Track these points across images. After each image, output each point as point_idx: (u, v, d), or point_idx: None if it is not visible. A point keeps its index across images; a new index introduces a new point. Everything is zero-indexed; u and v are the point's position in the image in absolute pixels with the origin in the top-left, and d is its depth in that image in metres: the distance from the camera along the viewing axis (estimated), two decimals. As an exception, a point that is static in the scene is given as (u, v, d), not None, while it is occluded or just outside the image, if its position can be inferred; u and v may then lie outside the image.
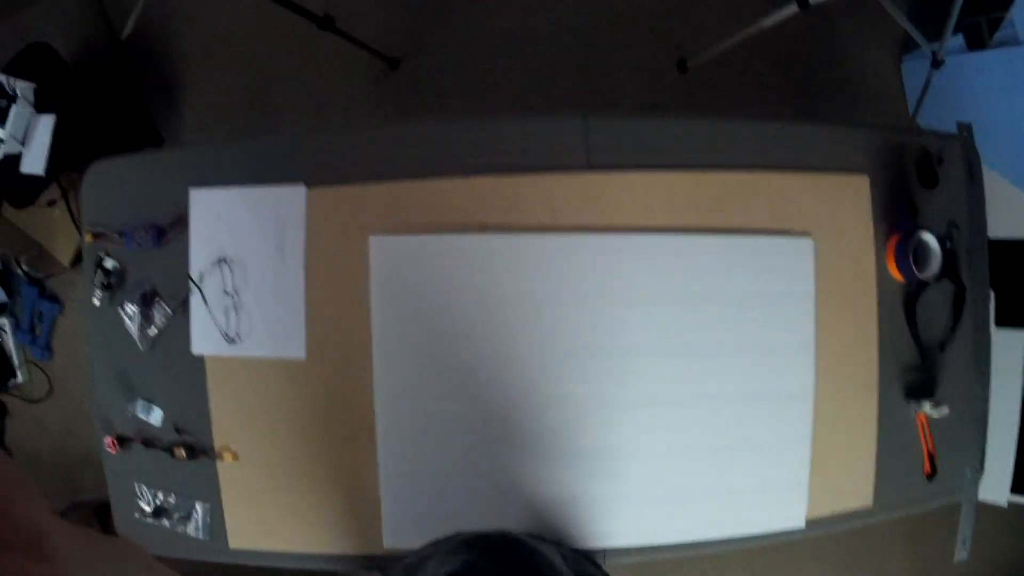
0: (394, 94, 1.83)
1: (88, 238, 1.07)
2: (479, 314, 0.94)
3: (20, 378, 1.86)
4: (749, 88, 1.80)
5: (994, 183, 1.37)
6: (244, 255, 0.98)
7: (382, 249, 0.94)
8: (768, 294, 1.00)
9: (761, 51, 1.68)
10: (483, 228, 0.92)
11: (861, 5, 1.50)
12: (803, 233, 1.00)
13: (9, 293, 1.81)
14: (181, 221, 1.02)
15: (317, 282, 0.97)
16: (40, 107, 1.47)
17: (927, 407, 1.08)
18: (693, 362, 0.98)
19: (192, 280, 1.01)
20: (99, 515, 1.63)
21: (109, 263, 1.06)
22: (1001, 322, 1.36)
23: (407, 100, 1.82)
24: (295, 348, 0.98)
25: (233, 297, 0.99)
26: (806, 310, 1.01)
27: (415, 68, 1.86)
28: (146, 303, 1.05)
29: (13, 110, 1.42)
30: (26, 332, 1.83)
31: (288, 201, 0.96)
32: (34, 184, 1.49)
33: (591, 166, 0.92)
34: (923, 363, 1.11)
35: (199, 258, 1.00)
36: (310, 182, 0.96)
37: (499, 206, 0.92)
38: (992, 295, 1.26)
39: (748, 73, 1.79)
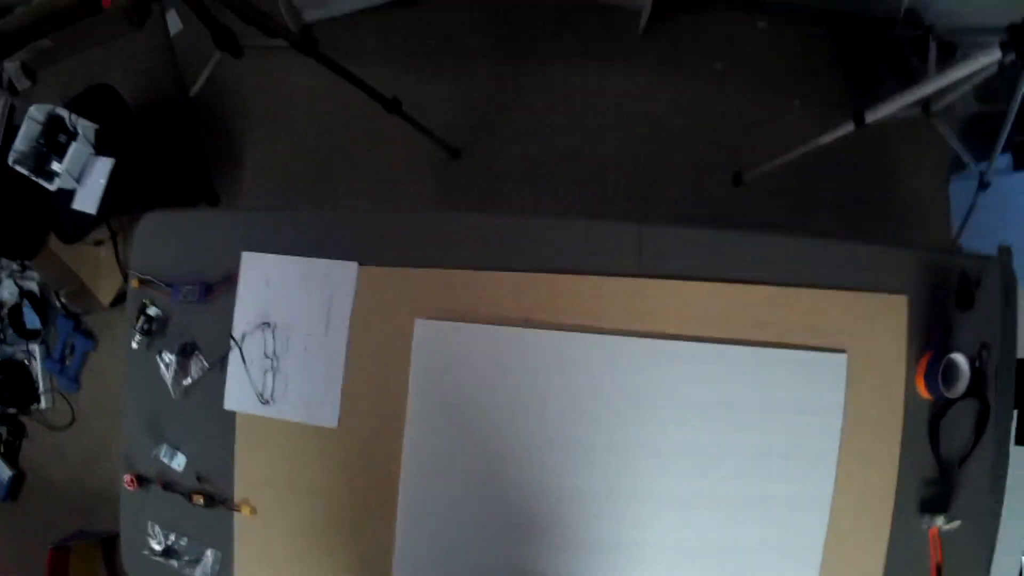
0: (453, 182, 1.87)
1: (135, 284, 1.08)
2: (514, 405, 0.95)
3: (43, 404, 1.89)
4: (801, 203, 1.85)
5: (1028, 304, 1.38)
6: (289, 322, 1.00)
7: (426, 333, 0.95)
8: (798, 405, 1.01)
9: (815, 167, 1.72)
10: (527, 323, 0.94)
11: (915, 125, 1.53)
12: (838, 349, 1.01)
13: (44, 322, 1.84)
14: (229, 280, 1.03)
15: (358, 357, 0.99)
16: (100, 148, 1.50)
17: (940, 522, 1.09)
18: (717, 465, 0.99)
19: (233, 339, 1.02)
20: (104, 546, 1.64)
21: (152, 311, 1.08)
22: (1021, 440, 1.36)
23: (466, 189, 1.87)
24: (327, 417, 0.99)
25: (272, 360, 1.01)
26: (833, 423, 1.02)
27: (476, 159, 1.90)
28: (184, 354, 1.06)
29: (73, 147, 1.45)
30: (56, 362, 1.87)
31: (339, 276, 0.97)
32: (84, 222, 1.52)
33: (641, 273, 0.94)
34: (941, 478, 1.12)
35: (243, 319, 1.02)
36: (362, 260, 0.98)
37: (546, 304, 0.93)
38: (1015, 413, 1.27)
39: (801, 189, 1.83)
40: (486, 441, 0.95)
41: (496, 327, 0.94)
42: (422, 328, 0.96)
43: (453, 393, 0.96)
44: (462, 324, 0.95)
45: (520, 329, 0.94)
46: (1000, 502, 1.18)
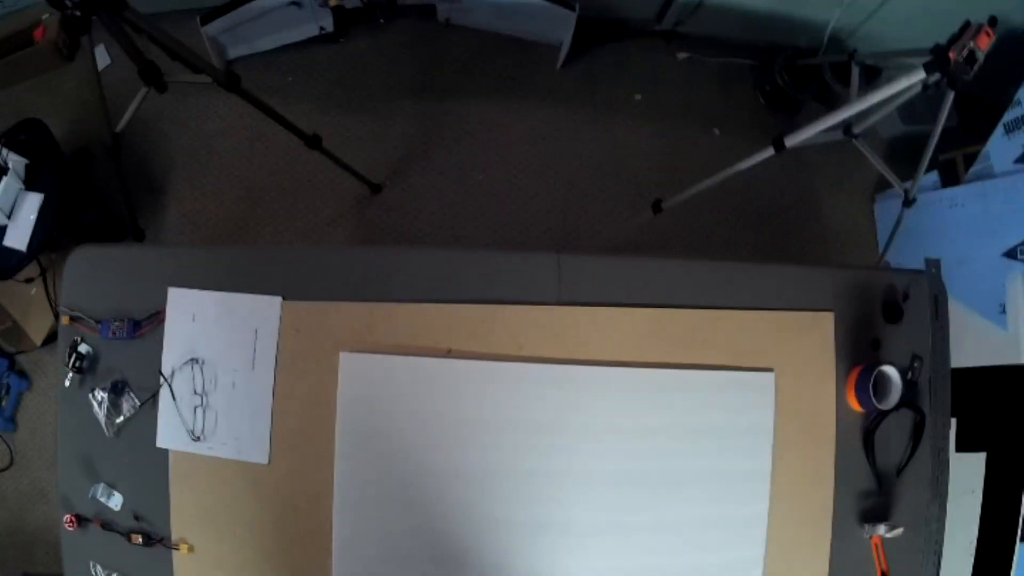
0: (375, 217, 1.87)
1: (65, 320, 1.07)
2: (441, 435, 0.95)
3: None
4: (723, 229, 1.87)
5: (961, 314, 1.41)
6: (216, 358, 1.00)
7: (351, 366, 0.96)
8: (727, 426, 1.02)
9: (738, 194, 1.76)
10: (450, 354, 0.94)
11: (838, 148, 1.56)
12: (765, 369, 1.03)
13: None
14: (157, 316, 1.03)
15: (285, 391, 0.99)
16: (29, 184, 1.49)
17: (881, 530, 1.10)
18: (650, 490, 1.00)
19: (163, 376, 1.02)
20: (48, 588, 1.62)
21: (83, 348, 1.06)
22: (961, 447, 1.39)
23: (387, 223, 1.87)
24: (258, 453, 0.99)
25: (202, 397, 1.00)
26: (764, 442, 1.03)
27: (397, 193, 1.92)
28: (116, 391, 1.06)
29: (3, 182, 1.43)
30: None
31: (264, 311, 0.97)
32: (14, 259, 1.50)
33: (561, 301, 0.95)
34: (879, 488, 1.14)
35: (172, 355, 1.01)
36: (286, 295, 0.98)
37: (469, 334, 0.94)
38: (954, 421, 1.30)
39: (722, 214, 1.87)
40: (415, 472, 0.96)
41: (419, 358, 0.95)
42: (347, 361, 0.96)
43: (380, 425, 0.96)
44: (386, 356, 0.95)
45: (443, 360, 0.94)
46: (943, 507, 1.19)
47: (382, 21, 1.96)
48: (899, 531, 1.10)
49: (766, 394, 1.03)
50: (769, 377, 1.03)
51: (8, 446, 1.82)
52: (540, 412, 0.96)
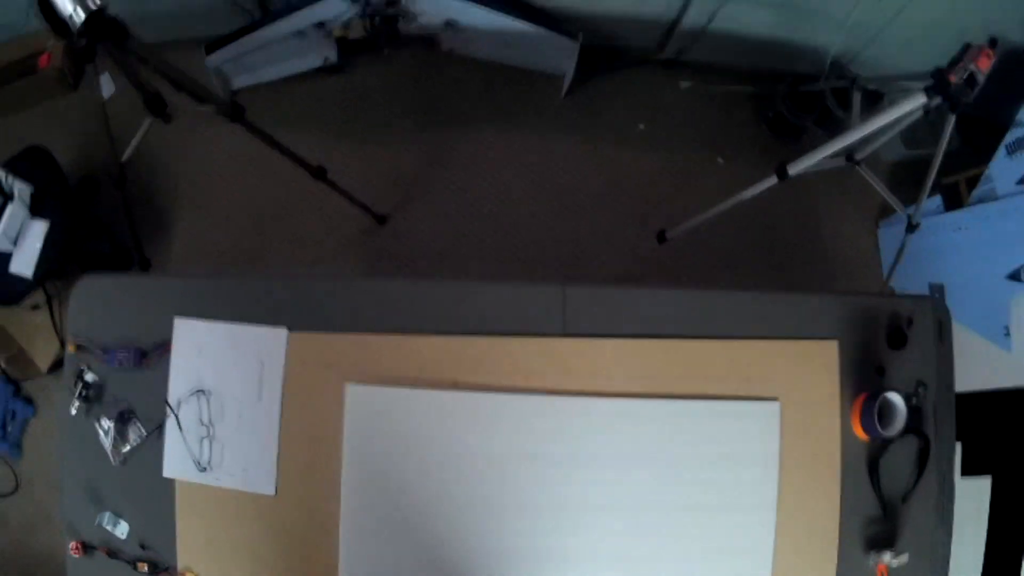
0: (380, 248, 1.88)
1: (72, 348, 1.08)
2: (447, 467, 0.95)
3: None
4: (727, 258, 1.87)
5: (966, 338, 1.41)
6: (222, 389, 1.00)
7: (357, 398, 0.96)
8: (733, 456, 1.02)
9: (740, 222, 1.76)
10: (456, 386, 0.94)
11: (841, 175, 1.57)
12: (770, 398, 1.03)
13: None
14: (164, 347, 1.03)
15: (291, 423, 0.99)
16: (35, 211, 1.49)
17: (887, 557, 1.10)
18: (656, 520, 1.00)
19: (169, 406, 1.02)
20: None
21: (89, 376, 1.07)
22: (967, 471, 1.38)
23: (392, 255, 1.88)
24: (265, 484, 0.99)
25: (208, 428, 1.01)
26: (770, 471, 1.03)
27: (402, 224, 1.92)
28: (122, 420, 1.06)
29: (8, 209, 1.44)
30: None
31: (269, 342, 0.98)
32: (20, 286, 1.51)
33: (567, 332, 0.95)
34: (885, 515, 1.13)
35: (178, 386, 1.02)
36: (292, 326, 0.99)
37: (474, 366, 0.94)
38: (959, 445, 1.29)
39: (726, 244, 1.87)
40: (421, 504, 0.96)
41: (425, 391, 0.95)
42: (353, 393, 0.96)
43: (386, 457, 0.96)
44: (392, 388, 0.95)
45: (449, 392, 0.94)
46: (949, 534, 1.19)
47: (386, 52, 1.98)
48: (905, 558, 1.10)
49: (771, 424, 1.03)
50: (774, 407, 1.03)
51: (13, 471, 1.83)
52: (546, 444, 0.96)
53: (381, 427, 0.96)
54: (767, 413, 1.02)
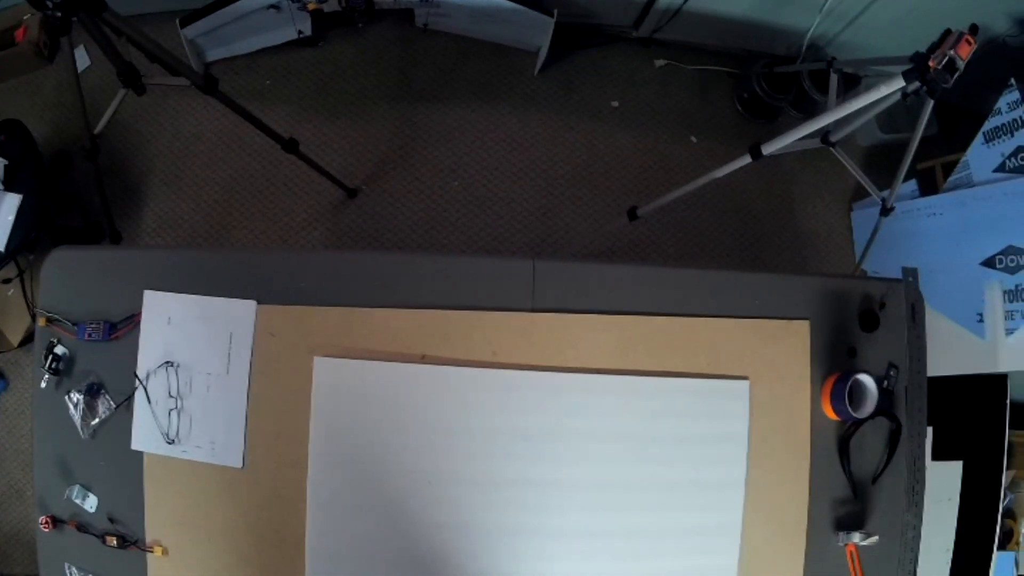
0: (350, 221, 1.87)
1: (42, 322, 1.07)
2: (414, 440, 0.95)
3: None
4: (699, 237, 1.87)
5: (939, 322, 1.42)
6: (191, 361, 1.00)
7: (326, 371, 0.96)
8: (703, 434, 1.02)
9: (714, 201, 1.77)
10: (425, 359, 0.94)
11: (815, 155, 1.57)
12: (740, 377, 1.03)
13: None
14: (133, 319, 1.03)
15: (260, 396, 0.99)
16: (8, 184, 1.48)
17: (856, 538, 1.11)
18: (624, 497, 1.00)
19: (138, 378, 1.02)
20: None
21: (60, 349, 1.06)
22: (938, 455, 1.40)
23: (363, 228, 1.87)
24: (233, 457, 0.99)
25: (177, 400, 1.00)
26: (739, 450, 1.04)
27: (373, 198, 1.91)
28: (91, 393, 1.05)
29: None
30: None
31: (238, 315, 0.98)
32: None
33: (535, 307, 0.95)
34: (855, 496, 1.14)
35: (147, 358, 1.01)
36: (261, 299, 0.98)
37: (443, 339, 0.94)
38: (930, 430, 1.30)
39: (699, 223, 1.87)
40: (387, 477, 0.96)
41: (393, 364, 0.95)
42: (322, 365, 0.96)
43: (354, 429, 0.96)
44: (360, 361, 0.95)
45: (416, 366, 0.94)
46: (919, 516, 1.20)
47: (360, 25, 1.96)
48: (874, 539, 1.11)
49: (741, 402, 1.03)
50: (744, 385, 1.03)
51: None
52: (513, 418, 0.96)
53: (348, 399, 0.96)
54: (736, 391, 1.03)
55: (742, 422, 1.03)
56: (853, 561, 1.13)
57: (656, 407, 1.00)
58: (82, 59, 1.84)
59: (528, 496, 0.98)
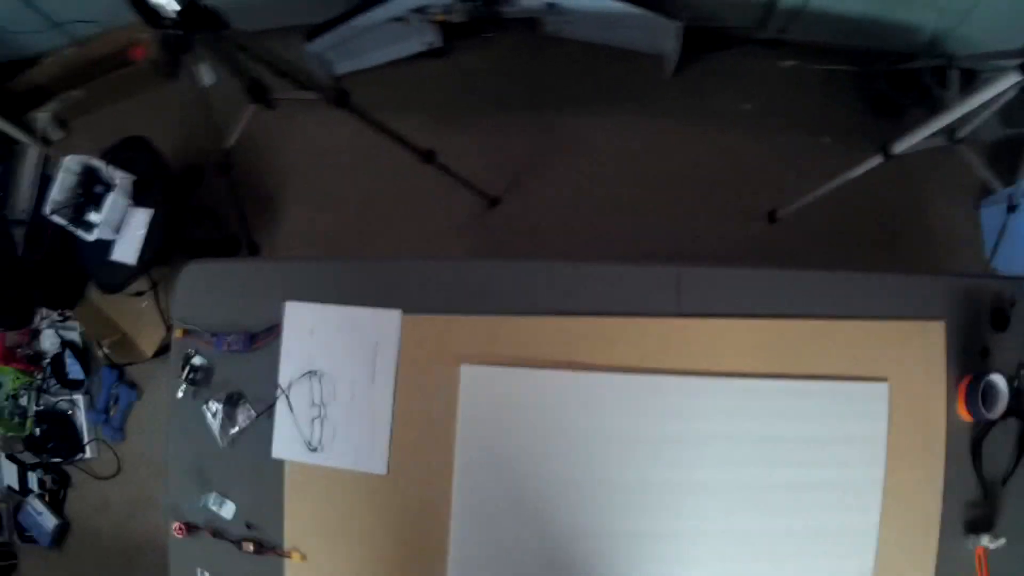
0: (492, 230, 1.89)
1: (179, 334, 1.10)
2: (560, 448, 0.96)
3: (88, 454, 1.90)
4: (835, 237, 1.86)
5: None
6: (334, 370, 1.01)
7: (472, 378, 0.97)
8: (841, 435, 1.01)
9: (847, 201, 1.74)
10: (571, 366, 0.95)
11: (942, 154, 1.54)
12: (879, 379, 1.02)
13: (87, 372, 1.87)
14: (273, 330, 1.05)
15: (404, 403, 1.00)
16: (137, 199, 1.52)
17: (985, 540, 1.08)
18: (763, 499, 1.00)
19: (280, 388, 1.04)
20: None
21: (197, 360, 1.09)
22: (1062, 456, 1.35)
23: (504, 237, 1.89)
24: (376, 464, 1.00)
25: (320, 408, 1.02)
26: (877, 451, 1.03)
27: (514, 206, 1.92)
28: (231, 403, 1.08)
29: (109, 198, 1.47)
30: (100, 412, 1.88)
31: (383, 324, 0.99)
32: (123, 273, 1.54)
33: (681, 312, 0.95)
34: (985, 499, 1.12)
35: (289, 368, 1.03)
36: (405, 308, 1.00)
37: (590, 347, 0.95)
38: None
39: (834, 223, 1.84)
40: (534, 485, 0.96)
41: (539, 370, 0.95)
42: (468, 373, 0.97)
43: (500, 437, 0.97)
44: (507, 368, 0.96)
45: (563, 372, 0.95)
46: (1045, 518, 1.17)
47: (489, 35, 1.98)
48: (1002, 542, 1.08)
49: (880, 404, 1.02)
50: (883, 387, 1.02)
51: (116, 455, 1.88)
52: (660, 423, 0.96)
53: (494, 407, 0.96)
54: (875, 394, 1.02)
55: (881, 424, 1.02)
56: (980, 564, 1.11)
57: (798, 410, 0.99)
58: (208, 75, 1.83)
59: (671, 500, 0.98)
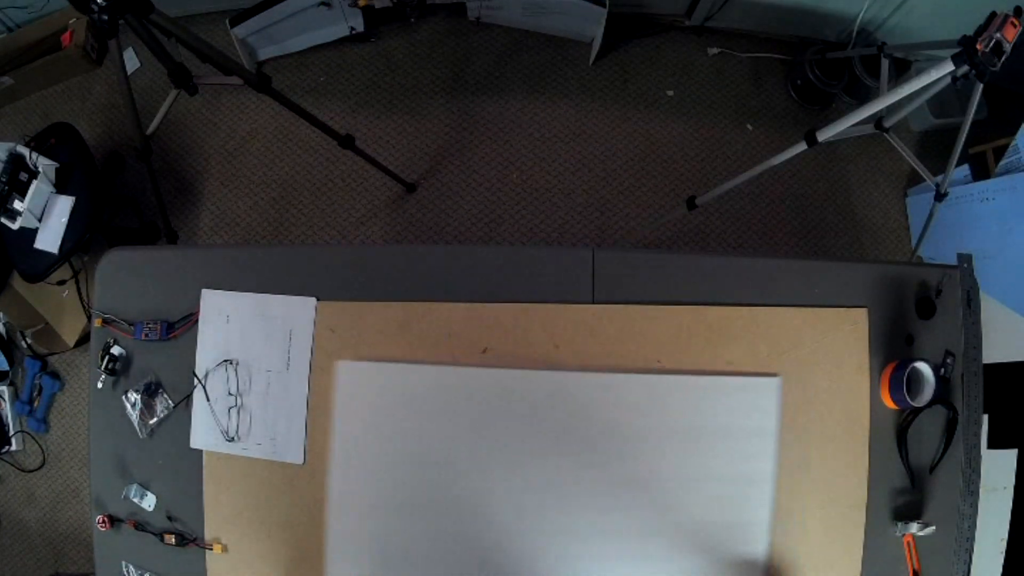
0: (409, 216, 1.88)
1: (98, 323, 1.08)
2: (437, 444, 0.96)
3: (14, 446, 1.87)
4: (757, 225, 1.87)
5: (993, 309, 1.39)
6: (250, 359, 1.00)
7: (349, 374, 0.97)
8: (737, 430, 1.02)
9: (771, 189, 1.75)
10: (487, 353, 0.94)
11: (870, 142, 1.55)
12: (770, 374, 1.02)
13: (11, 363, 1.83)
14: (190, 318, 1.03)
15: (320, 391, 0.99)
16: (60, 187, 1.49)
17: (914, 528, 1.09)
18: (659, 492, 1.00)
19: (197, 378, 1.02)
20: (78, 588, 1.64)
21: (116, 350, 1.07)
22: (993, 444, 1.37)
23: (422, 222, 1.87)
24: (293, 453, 0.99)
25: (236, 397, 1.00)
26: (769, 444, 1.02)
27: (431, 192, 1.91)
28: (149, 393, 1.06)
29: (33, 186, 1.44)
30: (24, 403, 1.85)
31: (298, 312, 0.98)
32: (46, 261, 1.51)
33: (596, 299, 0.94)
34: (912, 486, 1.13)
35: (205, 356, 1.02)
36: (321, 295, 0.98)
37: (505, 333, 0.94)
38: (986, 417, 1.28)
39: (757, 210, 1.86)
40: (409, 480, 0.96)
41: (417, 365, 0.95)
42: (345, 369, 0.97)
43: (376, 433, 0.96)
44: (382, 363, 0.96)
45: (442, 367, 0.95)
46: (975, 505, 1.18)
47: (412, 20, 1.96)
48: (931, 529, 1.09)
49: (770, 399, 1.01)
50: (775, 382, 1.02)
51: (40, 447, 1.85)
52: (549, 418, 0.96)
53: (371, 403, 0.96)
54: (767, 388, 1.01)
55: (772, 418, 1.02)
56: (910, 551, 1.11)
57: (698, 404, 0.99)
58: (131, 61, 1.85)
59: (562, 495, 0.98)
